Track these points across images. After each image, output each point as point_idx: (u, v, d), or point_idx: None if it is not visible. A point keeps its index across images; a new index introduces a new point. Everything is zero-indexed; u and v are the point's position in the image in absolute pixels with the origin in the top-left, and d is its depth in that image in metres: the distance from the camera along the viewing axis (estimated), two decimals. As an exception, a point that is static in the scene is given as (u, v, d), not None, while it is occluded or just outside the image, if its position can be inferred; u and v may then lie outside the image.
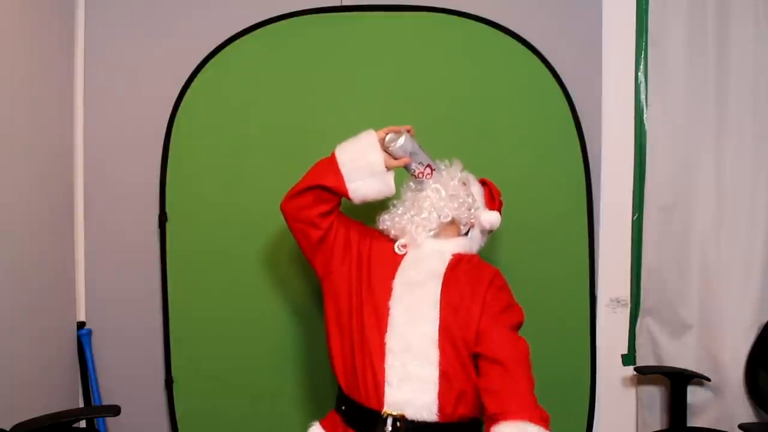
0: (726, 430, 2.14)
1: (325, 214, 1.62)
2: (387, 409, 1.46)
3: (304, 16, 2.18)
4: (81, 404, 2.20)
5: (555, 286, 2.21)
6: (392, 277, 1.59)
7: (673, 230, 2.25)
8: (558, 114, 2.20)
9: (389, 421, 1.46)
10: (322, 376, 2.14)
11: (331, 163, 1.61)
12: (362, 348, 1.53)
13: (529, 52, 2.19)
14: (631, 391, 2.33)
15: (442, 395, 1.47)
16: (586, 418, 2.23)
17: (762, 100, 2.20)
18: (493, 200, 1.77)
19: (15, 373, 1.83)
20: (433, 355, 1.48)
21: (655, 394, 2.31)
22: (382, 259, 1.64)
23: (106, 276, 2.22)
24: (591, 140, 2.22)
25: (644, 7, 2.24)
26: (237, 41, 2.17)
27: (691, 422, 2.22)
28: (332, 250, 1.65)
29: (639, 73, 2.26)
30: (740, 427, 1.89)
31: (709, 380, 2.18)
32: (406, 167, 1.68)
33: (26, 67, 1.92)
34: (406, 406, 1.46)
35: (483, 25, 2.19)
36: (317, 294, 2.19)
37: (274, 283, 2.18)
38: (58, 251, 2.13)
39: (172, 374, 2.19)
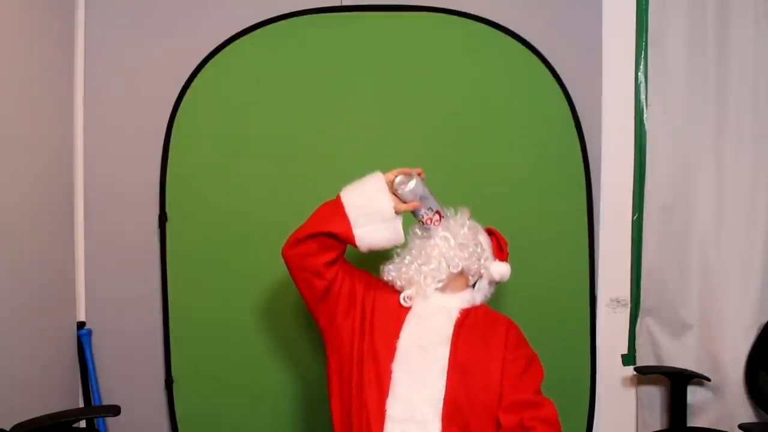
0: (726, 430, 2.14)
1: (330, 263, 1.53)
2: None
3: (304, 16, 2.18)
4: (81, 404, 2.20)
5: (555, 286, 2.21)
6: (396, 334, 1.51)
7: (673, 230, 2.24)
8: (558, 114, 2.20)
9: None
10: (323, 376, 2.14)
11: (336, 208, 1.52)
12: (360, 412, 1.46)
13: (529, 52, 2.19)
14: (631, 391, 2.33)
15: None
16: (586, 418, 2.23)
17: (762, 100, 2.20)
18: (501, 250, 1.70)
19: (15, 373, 1.83)
20: (436, 428, 1.41)
21: (655, 394, 2.31)
22: (386, 312, 1.56)
23: (106, 276, 2.22)
24: (591, 140, 2.22)
25: (644, 7, 2.24)
26: (237, 41, 2.17)
27: (691, 422, 2.22)
28: (337, 301, 1.56)
29: (639, 73, 2.26)
30: (740, 427, 1.89)
31: (709, 380, 2.18)
32: (414, 212, 1.59)
33: (26, 67, 1.92)
34: None
35: (483, 25, 2.19)
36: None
37: (274, 282, 2.18)
38: (58, 251, 2.13)
39: (172, 374, 2.19)
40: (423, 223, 1.62)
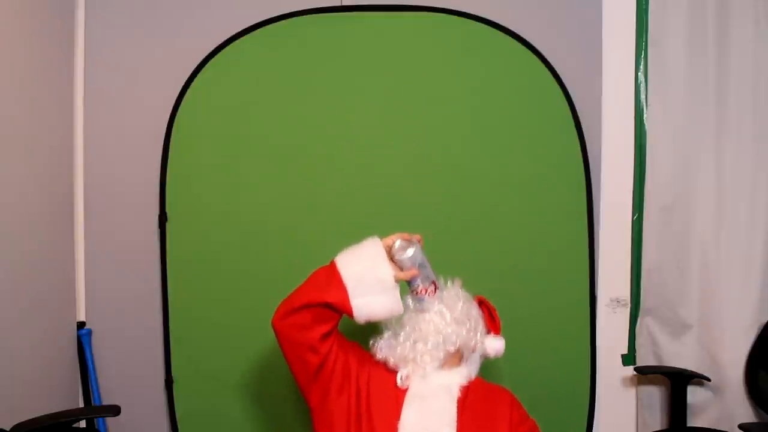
0: (726, 430, 2.14)
1: (326, 336, 1.43)
2: None
3: (304, 16, 2.18)
4: (81, 404, 2.20)
5: (555, 286, 2.21)
6: (396, 416, 1.43)
7: (673, 230, 2.24)
8: (558, 114, 2.20)
9: None
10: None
11: (332, 276, 1.43)
12: None
13: (529, 52, 2.19)
14: (631, 391, 2.33)
15: None
16: (586, 418, 2.23)
17: (762, 100, 2.20)
18: (493, 321, 1.64)
19: (15, 373, 1.83)
20: None
21: (655, 394, 2.31)
22: (382, 392, 1.48)
23: (106, 276, 2.22)
24: (591, 140, 2.22)
25: (644, 7, 2.24)
26: (237, 41, 2.17)
27: (691, 422, 2.22)
28: (331, 377, 1.47)
29: (639, 73, 2.26)
30: (740, 427, 1.89)
31: (709, 380, 2.18)
32: (410, 282, 1.52)
33: (26, 67, 1.92)
34: None
35: (483, 25, 2.19)
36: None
37: (274, 282, 2.17)
38: (58, 251, 2.13)
39: (172, 374, 2.19)
40: (417, 293, 1.53)
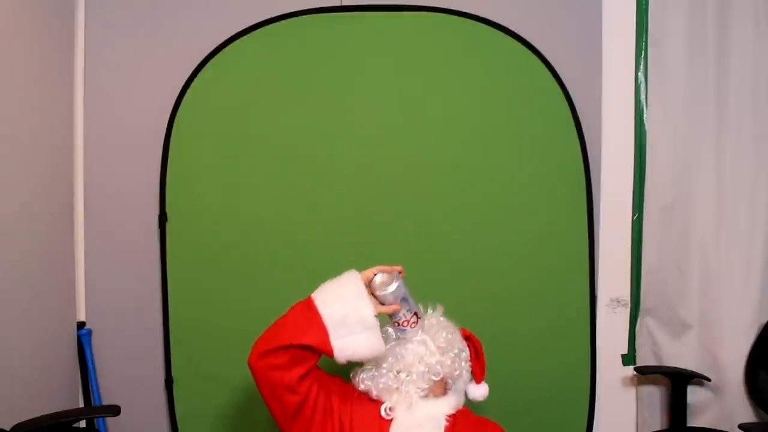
0: (726, 430, 2.14)
1: (304, 376, 1.39)
2: None
3: (304, 16, 2.18)
4: (81, 404, 2.19)
5: (555, 286, 2.21)
6: None
7: (673, 230, 2.24)
8: (558, 114, 2.20)
9: None
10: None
11: (311, 316, 1.39)
12: None
13: (529, 52, 2.19)
14: (631, 391, 2.33)
15: None
16: (586, 418, 2.23)
17: (762, 100, 2.20)
18: (477, 357, 1.59)
19: (15, 373, 1.83)
20: None
21: (655, 394, 2.31)
22: (366, 426, 1.44)
23: (106, 276, 2.22)
24: (591, 140, 2.22)
25: (644, 7, 2.24)
26: (237, 41, 2.17)
27: (691, 422, 2.22)
28: (312, 416, 1.42)
29: (639, 73, 2.26)
30: (740, 427, 1.89)
31: (709, 380, 2.18)
32: (392, 315, 1.48)
33: (26, 67, 1.92)
34: None
35: (483, 25, 2.19)
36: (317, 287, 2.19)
37: (274, 282, 2.18)
38: (58, 251, 2.13)
39: (172, 374, 2.19)
40: (399, 325, 1.49)
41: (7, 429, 1.64)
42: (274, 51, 2.18)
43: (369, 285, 1.45)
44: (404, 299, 1.47)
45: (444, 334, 1.50)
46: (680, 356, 2.25)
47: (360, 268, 1.51)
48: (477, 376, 1.58)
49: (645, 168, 2.26)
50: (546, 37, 2.21)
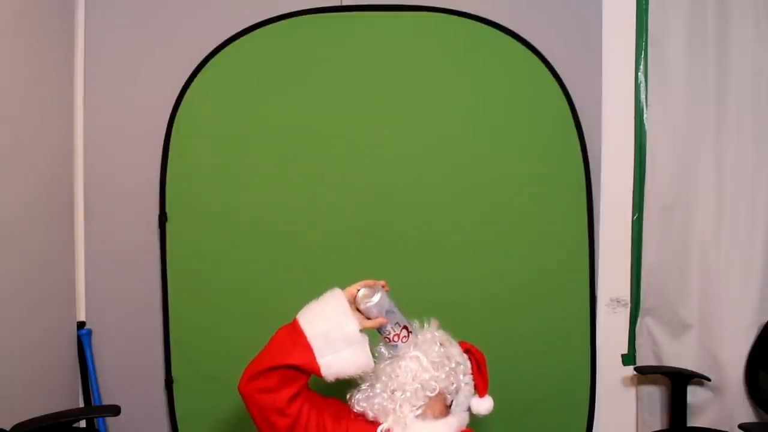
0: (726, 430, 2.14)
1: (293, 397, 1.37)
2: None
3: (304, 16, 2.18)
4: (81, 404, 2.20)
5: (555, 286, 2.21)
6: None
7: (673, 230, 2.24)
8: (558, 114, 2.20)
9: None
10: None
11: (296, 336, 1.38)
12: None
13: (529, 52, 2.19)
14: (631, 391, 2.33)
15: None
16: (586, 418, 2.23)
17: (762, 100, 2.20)
18: (480, 372, 1.55)
19: (15, 373, 1.83)
20: None
21: (655, 394, 2.31)
22: None
23: (106, 276, 2.22)
24: (591, 140, 2.22)
25: (644, 7, 2.24)
26: (237, 41, 2.17)
27: (691, 422, 2.22)
28: None
29: (639, 73, 2.26)
30: (740, 427, 1.89)
31: (709, 380, 2.18)
32: (380, 329, 1.46)
33: (26, 67, 1.92)
34: None
35: (483, 25, 2.19)
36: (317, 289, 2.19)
37: (274, 282, 2.18)
38: (58, 251, 2.13)
39: (172, 374, 2.19)
40: (389, 340, 1.47)
41: (7, 429, 1.64)
42: (274, 51, 2.18)
43: (354, 301, 1.43)
44: (390, 312, 1.45)
45: (437, 348, 1.47)
46: (680, 356, 2.25)
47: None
48: (480, 389, 1.54)
49: (645, 168, 2.26)
50: (546, 37, 2.21)
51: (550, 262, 2.21)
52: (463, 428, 1.50)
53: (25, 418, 1.68)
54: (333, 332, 1.36)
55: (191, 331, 2.19)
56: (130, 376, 2.22)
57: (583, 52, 2.25)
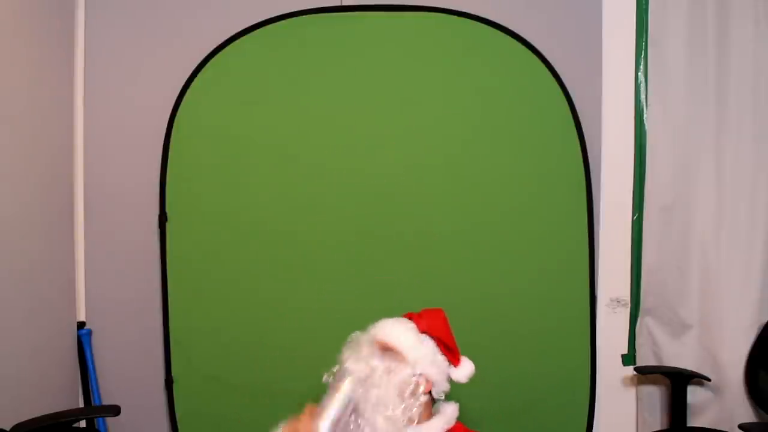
0: (726, 430, 2.14)
1: None
2: None
3: (304, 16, 2.18)
4: (81, 404, 2.20)
5: (555, 286, 2.21)
6: None
7: (673, 230, 2.25)
8: (558, 114, 2.20)
9: None
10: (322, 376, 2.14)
11: None
12: None
13: (529, 52, 2.19)
14: (631, 391, 2.33)
15: None
16: (586, 418, 2.23)
17: (762, 100, 2.20)
18: (448, 348, 1.47)
19: (15, 373, 1.83)
20: None
21: (655, 394, 2.31)
22: None
23: (106, 276, 2.22)
24: (591, 140, 2.22)
25: (644, 7, 2.24)
26: (237, 41, 2.17)
27: (691, 422, 2.22)
28: None
29: (639, 73, 2.26)
30: (740, 427, 1.89)
31: (709, 380, 2.18)
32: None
33: (26, 67, 1.92)
34: None
35: (483, 25, 2.19)
36: (317, 289, 2.19)
37: (273, 282, 2.18)
38: (59, 251, 2.13)
39: (172, 374, 2.19)
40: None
41: (7, 429, 1.64)
42: (274, 51, 2.18)
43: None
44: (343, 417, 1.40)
45: (347, 385, 1.41)
46: (680, 356, 2.25)
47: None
48: (453, 361, 1.48)
49: (645, 168, 2.26)
50: (546, 37, 2.21)
51: (550, 262, 2.21)
52: (452, 425, 1.45)
53: (25, 418, 1.68)
54: None
55: (191, 331, 2.19)
56: (130, 376, 2.22)
57: (583, 52, 2.25)
